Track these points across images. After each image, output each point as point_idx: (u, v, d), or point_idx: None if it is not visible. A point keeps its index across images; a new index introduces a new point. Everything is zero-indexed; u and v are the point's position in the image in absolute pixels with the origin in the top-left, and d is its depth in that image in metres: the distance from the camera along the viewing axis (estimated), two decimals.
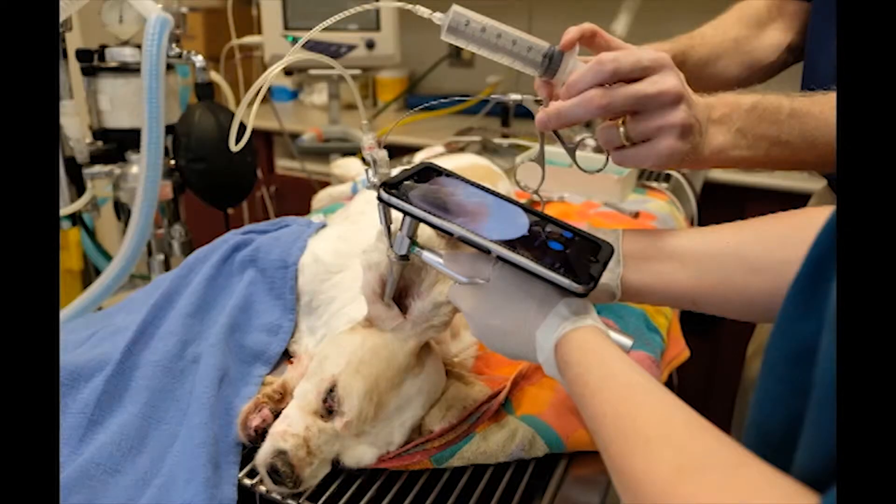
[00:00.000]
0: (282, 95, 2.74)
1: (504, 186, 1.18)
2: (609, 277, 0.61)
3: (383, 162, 0.67)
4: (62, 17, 1.02)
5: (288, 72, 2.36)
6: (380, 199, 0.58)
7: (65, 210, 1.11)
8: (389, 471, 0.65)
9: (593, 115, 0.60)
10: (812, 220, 0.56)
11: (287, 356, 0.80)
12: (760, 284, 0.57)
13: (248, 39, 2.10)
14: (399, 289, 0.66)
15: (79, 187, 1.14)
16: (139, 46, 1.08)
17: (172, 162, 1.18)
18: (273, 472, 0.60)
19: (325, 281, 0.83)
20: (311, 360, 0.68)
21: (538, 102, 0.67)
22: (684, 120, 0.60)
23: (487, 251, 0.56)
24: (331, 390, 0.63)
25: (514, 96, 0.68)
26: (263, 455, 0.61)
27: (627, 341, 0.56)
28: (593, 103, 0.59)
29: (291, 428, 0.62)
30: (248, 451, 0.66)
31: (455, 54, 2.52)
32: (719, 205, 1.66)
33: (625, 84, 0.60)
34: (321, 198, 1.32)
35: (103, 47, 1.15)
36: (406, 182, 0.60)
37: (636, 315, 0.87)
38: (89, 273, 1.27)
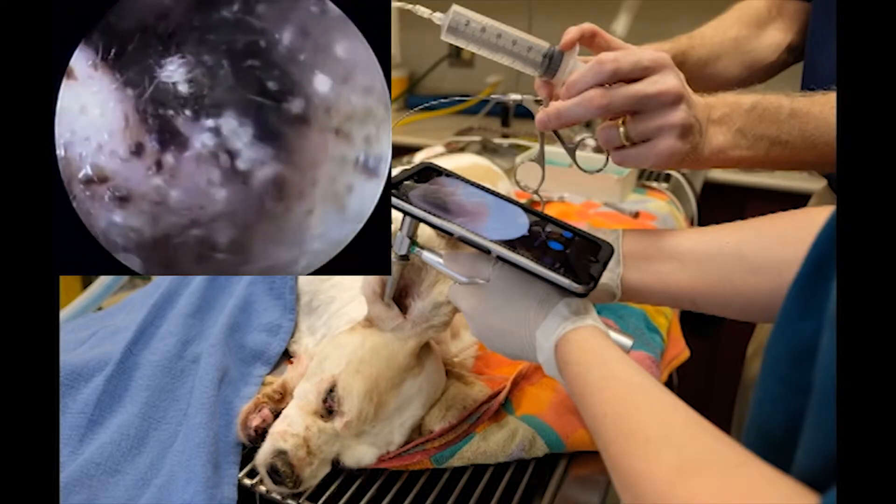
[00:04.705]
0: None
1: (504, 186, 1.18)
2: (609, 277, 0.61)
3: None
4: None
5: None
6: None
7: None
8: (389, 471, 0.65)
9: (593, 115, 0.60)
10: (812, 220, 0.56)
11: (287, 356, 0.80)
12: (760, 284, 0.57)
13: None
14: (399, 289, 0.66)
15: None
16: None
17: None
18: (273, 472, 0.60)
19: (325, 281, 0.83)
20: (311, 360, 0.68)
21: (538, 102, 0.67)
22: (684, 120, 0.60)
23: (487, 251, 0.56)
24: (331, 390, 0.63)
25: (514, 96, 0.68)
26: (263, 455, 0.61)
27: (627, 341, 0.56)
28: (593, 103, 0.59)
29: (291, 428, 0.62)
30: (248, 451, 0.66)
31: (455, 54, 2.51)
32: (719, 205, 1.66)
33: (625, 84, 0.60)
34: None
35: None
36: (406, 182, 0.60)
37: (636, 315, 0.87)
38: None
